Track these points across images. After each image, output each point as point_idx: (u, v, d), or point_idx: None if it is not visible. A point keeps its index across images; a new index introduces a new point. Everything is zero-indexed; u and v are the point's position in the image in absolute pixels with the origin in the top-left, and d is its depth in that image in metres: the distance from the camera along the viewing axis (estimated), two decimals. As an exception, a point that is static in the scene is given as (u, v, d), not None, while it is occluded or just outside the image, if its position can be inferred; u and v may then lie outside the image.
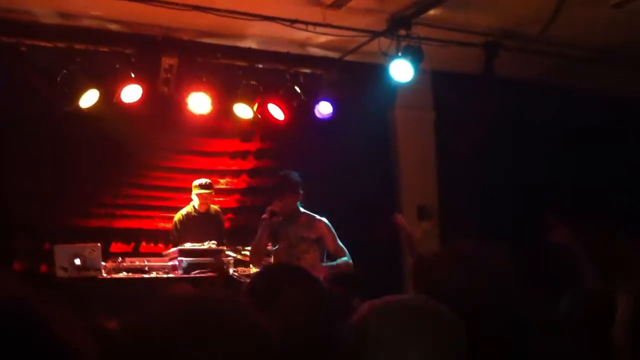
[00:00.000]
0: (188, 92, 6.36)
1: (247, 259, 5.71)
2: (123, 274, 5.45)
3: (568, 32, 6.54)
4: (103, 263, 5.41)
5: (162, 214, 6.76)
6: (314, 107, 6.77)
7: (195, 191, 6.28)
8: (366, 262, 6.08)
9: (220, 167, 7.12)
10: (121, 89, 6.06)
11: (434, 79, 7.59)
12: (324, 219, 5.22)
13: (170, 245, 6.13)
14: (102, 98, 6.02)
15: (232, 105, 6.59)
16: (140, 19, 6.18)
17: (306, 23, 6.06)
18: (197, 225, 6.24)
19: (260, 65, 6.72)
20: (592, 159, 7.60)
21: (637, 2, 5.98)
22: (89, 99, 5.97)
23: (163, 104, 6.50)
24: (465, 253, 1.93)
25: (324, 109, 6.77)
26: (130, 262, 5.63)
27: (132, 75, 6.09)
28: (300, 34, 6.29)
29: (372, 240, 6.86)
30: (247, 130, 7.12)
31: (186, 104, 6.36)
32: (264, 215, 5.11)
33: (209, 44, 6.54)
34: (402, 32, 6.33)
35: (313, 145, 6.93)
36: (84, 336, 0.81)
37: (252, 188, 7.21)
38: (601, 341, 2.28)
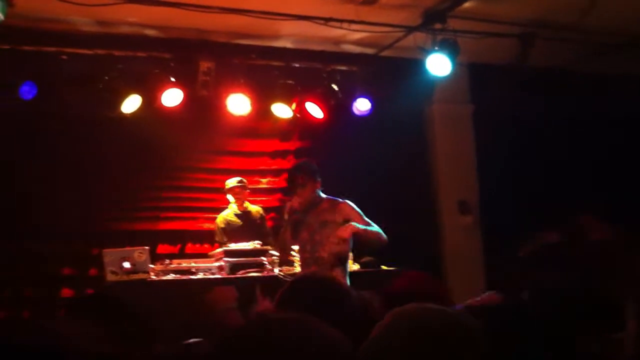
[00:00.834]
0: (226, 94, 6.42)
1: (292, 258, 5.74)
2: (171, 276, 5.52)
3: (605, 20, 6.43)
4: (151, 265, 5.49)
5: (205, 215, 6.85)
6: (351, 104, 6.77)
7: (227, 189, 6.35)
8: (406, 260, 6.09)
9: (261, 167, 7.19)
10: (161, 94, 6.14)
11: (471, 72, 7.52)
12: (347, 201, 5.09)
13: (217, 245, 6.20)
14: (143, 103, 6.12)
15: (270, 105, 6.63)
16: (176, 24, 6.23)
17: (340, 20, 6.05)
18: (240, 226, 6.31)
19: (297, 65, 6.75)
20: (631, 151, 7.46)
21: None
22: (132, 104, 6.08)
23: (202, 107, 6.58)
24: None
25: (361, 105, 6.77)
26: (178, 263, 5.70)
27: (172, 79, 6.17)
28: (334, 32, 6.28)
29: (411, 238, 6.85)
30: (286, 130, 7.17)
31: (225, 105, 6.42)
32: (285, 215, 5.08)
33: (245, 45, 6.58)
34: (438, 26, 6.28)
35: (352, 143, 6.94)
36: None
37: (294, 187, 7.24)
38: None
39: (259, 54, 6.64)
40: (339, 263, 4.87)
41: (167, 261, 5.70)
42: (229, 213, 6.43)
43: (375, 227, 4.95)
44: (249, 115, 6.55)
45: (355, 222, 4.91)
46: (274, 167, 7.27)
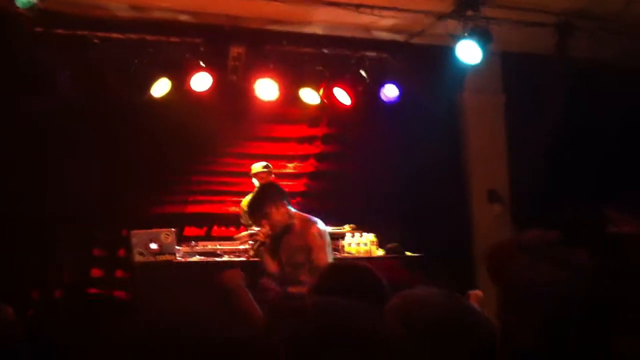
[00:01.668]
0: (255, 80, 6.45)
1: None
2: (197, 258, 5.59)
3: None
4: (178, 247, 5.56)
5: (232, 199, 6.91)
6: (380, 91, 6.75)
7: (253, 173, 6.38)
8: (434, 248, 6.06)
9: (288, 152, 7.22)
10: (191, 78, 6.20)
11: (504, 61, 7.41)
12: (319, 226, 4.64)
13: (242, 229, 6.25)
14: (173, 87, 6.20)
15: (299, 91, 6.65)
16: (208, 9, 6.30)
17: (371, 7, 6.03)
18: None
19: (326, 51, 6.74)
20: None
21: None
22: (161, 88, 6.16)
23: (231, 92, 6.62)
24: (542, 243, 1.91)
25: (389, 92, 6.74)
26: (203, 246, 5.77)
27: (202, 64, 6.22)
28: (365, 18, 6.26)
29: (440, 225, 6.82)
30: (314, 116, 7.17)
31: (254, 91, 6.45)
32: (250, 252, 4.88)
33: (275, 32, 6.60)
34: (470, 13, 6.20)
35: (380, 130, 6.92)
36: None
37: (320, 172, 7.27)
38: None
39: (290, 40, 6.65)
40: None
41: (194, 243, 5.78)
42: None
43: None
44: (277, 100, 6.58)
45: (315, 253, 4.49)
46: (300, 152, 7.29)
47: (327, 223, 6.01)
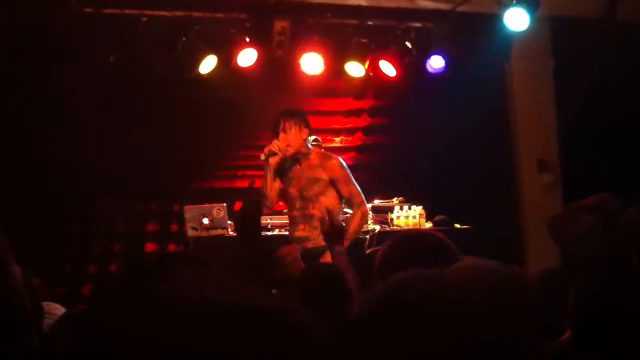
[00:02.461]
0: (301, 54, 6.45)
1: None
2: (248, 232, 5.67)
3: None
4: (229, 222, 5.67)
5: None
6: (426, 62, 6.68)
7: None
8: (483, 220, 6.03)
9: (335, 126, 7.23)
10: (237, 54, 6.25)
11: (552, 26, 7.22)
12: (340, 158, 4.82)
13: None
14: (220, 64, 6.25)
15: (344, 64, 6.62)
16: (252, -16, 6.31)
17: (416, -24, 5.96)
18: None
19: (371, 23, 6.69)
20: None
21: None
22: (208, 65, 6.22)
23: (277, 67, 6.65)
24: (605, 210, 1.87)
25: (435, 63, 6.66)
26: (254, 220, 5.85)
27: (247, 39, 6.25)
28: (410, -12, 6.19)
29: (489, 196, 6.77)
30: (360, 89, 7.14)
31: (299, 65, 6.46)
32: (262, 156, 4.73)
33: (319, 4, 6.56)
34: (517, -22, 6.07)
35: (427, 101, 6.86)
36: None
37: (368, 145, 7.27)
38: None
39: (334, 12, 6.62)
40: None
41: (244, 218, 5.86)
42: None
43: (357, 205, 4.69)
44: (323, 74, 6.57)
45: (340, 183, 4.66)
46: (348, 125, 7.28)
47: (375, 196, 6.09)
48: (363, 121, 7.29)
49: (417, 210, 5.76)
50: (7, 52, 5.77)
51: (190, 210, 5.59)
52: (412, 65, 6.67)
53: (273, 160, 4.69)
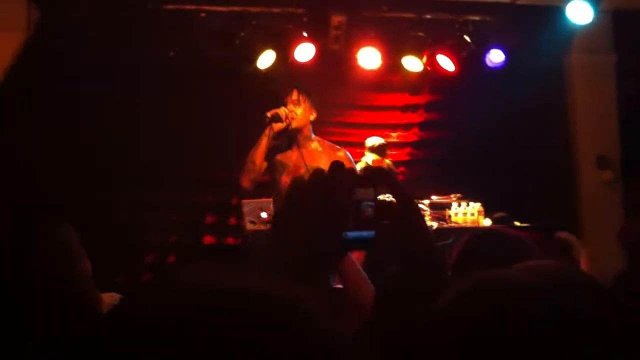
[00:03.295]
0: (357, 48, 6.42)
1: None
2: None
3: None
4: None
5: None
6: (484, 56, 6.57)
7: (367, 152, 6.39)
8: (542, 218, 5.92)
9: (391, 121, 7.19)
10: (294, 49, 6.26)
11: (615, 19, 7.04)
12: (347, 152, 4.40)
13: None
14: (277, 58, 6.27)
15: (401, 58, 6.58)
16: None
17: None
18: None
19: (428, 16, 6.62)
20: None
21: None
22: (266, 60, 6.25)
23: (334, 61, 6.63)
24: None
25: (495, 57, 6.55)
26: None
27: (304, 34, 6.26)
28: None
29: (547, 193, 6.65)
30: (416, 83, 7.09)
31: (356, 59, 6.44)
32: (269, 114, 4.27)
33: (376, -2, 6.54)
34: (580, -30, 5.93)
35: (485, 96, 6.75)
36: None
37: (424, 141, 7.22)
38: None
39: (390, 6, 6.57)
40: None
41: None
42: (363, 163, 6.47)
43: None
44: (380, 68, 6.53)
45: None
46: (404, 121, 7.24)
47: (432, 192, 6.05)
48: (419, 117, 7.23)
49: (476, 207, 5.69)
50: (69, 48, 5.88)
51: (248, 204, 5.63)
52: (470, 60, 6.58)
53: (277, 127, 4.28)
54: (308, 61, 6.30)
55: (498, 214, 5.84)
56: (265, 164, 4.37)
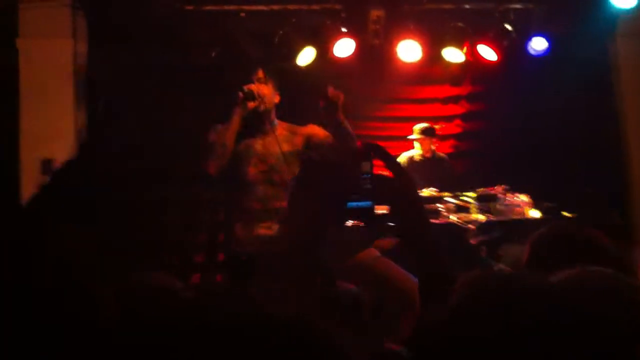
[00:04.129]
0: (397, 41, 6.40)
1: (467, 204, 5.70)
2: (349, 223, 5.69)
3: None
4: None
5: (378, 163, 6.94)
6: (526, 45, 6.47)
7: (414, 136, 6.36)
8: (591, 209, 5.81)
9: (433, 114, 7.14)
10: (334, 45, 6.26)
11: (660, 1, 6.84)
12: (310, 124, 3.94)
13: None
14: (317, 55, 6.29)
15: (441, 50, 6.53)
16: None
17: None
18: (419, 171, 6.30)
19: (467, 6, 6.55)
20: None
21: None
22: (306, 56, 6.28)
23: (374, 56, 6.62)
24: None
25: (537, 45, 6.44)
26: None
27: (343, 30, 6.26)
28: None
29: (596, 185, 6.51)
30: (457, 75, 7.03)
31: (396, 53, 6.41)
32: (241, 93, 3.76)
33: (414, -10, 6.49)
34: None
35: (528, 85, 6.64)
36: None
37: (467, 132, 7.15)
38: None
39: (429, -3, 6.52)
40: None
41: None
42: (414, 152, 6.45)
43: None
44: (420, 61, 6.49)
45: (323, 139, 3.85)
46: (446, 113, 7.20)
47: (477, 184, 5.99)
48: (461, 108, 7.17)
49: (523, 198, 5.62)
50: (111, 50, 5.97)
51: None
52: (512, 48, 6.48)
53: (250, 105, 3.77)
54: (348, 56, 6.30)
55: (546, 204, 5.75)
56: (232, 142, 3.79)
